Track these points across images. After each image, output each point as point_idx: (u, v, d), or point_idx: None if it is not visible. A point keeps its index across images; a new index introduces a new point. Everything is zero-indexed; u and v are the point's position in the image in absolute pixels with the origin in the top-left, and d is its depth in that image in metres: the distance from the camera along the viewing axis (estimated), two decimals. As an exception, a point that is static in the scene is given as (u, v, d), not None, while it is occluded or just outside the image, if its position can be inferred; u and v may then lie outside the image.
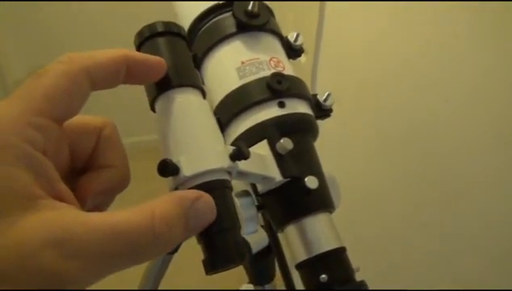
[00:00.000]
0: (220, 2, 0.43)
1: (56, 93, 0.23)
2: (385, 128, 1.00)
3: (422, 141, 0.88)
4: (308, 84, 1.13)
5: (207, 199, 0.25)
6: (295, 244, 0.38)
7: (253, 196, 0.40)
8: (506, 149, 0.69)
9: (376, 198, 1.09)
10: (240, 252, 0.26)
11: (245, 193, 0.41)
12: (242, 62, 0.40)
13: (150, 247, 0.22)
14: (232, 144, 0.29)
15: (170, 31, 0.30)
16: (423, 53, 0.83)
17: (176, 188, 0.27)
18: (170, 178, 0.26)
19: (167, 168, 0.25)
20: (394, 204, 1.02)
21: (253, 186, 0.39)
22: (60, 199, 0.22)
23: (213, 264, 0.26)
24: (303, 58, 1.23)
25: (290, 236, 0.38)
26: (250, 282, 0.65)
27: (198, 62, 0.44)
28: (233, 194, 0.41)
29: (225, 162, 0.27)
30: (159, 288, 0.76)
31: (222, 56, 0.42)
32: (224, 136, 0.41)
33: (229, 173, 0.29)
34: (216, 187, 0.26)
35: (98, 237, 0.20)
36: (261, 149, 0.38)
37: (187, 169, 0.26)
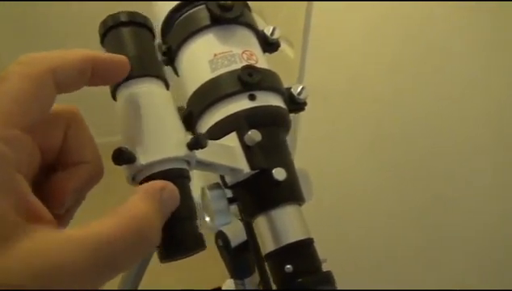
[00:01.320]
0: None
1: (21, 99, 0.21)
2: (375, 124, 1.01)
3: (414, 139, 0.89)
4: (295, 79, 1.12)
5: (171, 187, 0.25)
6: (264, 235, 0.38)
7: (224, 189, 0.41)
8: (501, 147, 0.69)
9: (366, 193, 1.10)
10: (197, 241, 0.26)
11: (217, 185, 0.41)
12: (215, 55, 0.40)
13: (137, 249, 0.22)
14: (196, 135, 0.29)
15: (134, 21, 0.30)
16: (413, 49, 0.84)
17: (133, 177, 0.27)
18: (125, 166, 0.26)
19: (122, 156, 0.25)
20: (384, 201, 1.03)
21: (223, 178, 0.40)
22: (33, 212, 0.21)
23: (169, 253, 0.26)
24: (291, 53, 1.24)
25: (259, 227, 0.38)
26: (231, 276, 0.65)
27: (172, 55, 0.44)
28: (206, 186, 0.41)
29: (182, 151, 0.27)
30: (143, 288, 0.76)
31: (195, 49, 0.42)
32: (196, 128, 0.41)
33: (188, 163, 0.29)
34: (173, 176, 0.26)
35: (80, 258, 0.19)
36: (230, 141, 0.38)
37: (143, 157, 0.26)
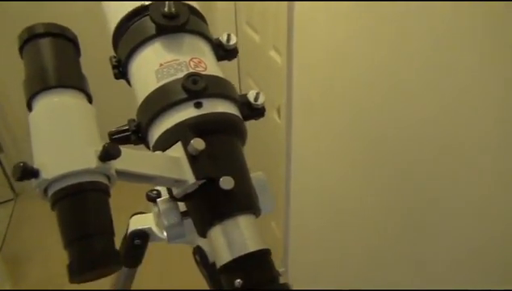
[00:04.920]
0: (142, 4, 0.42)
1: None
2: (367, 127, 0.98)
3: (406, 141, 0.86)
4: (284, 84, 1.10)
5: None
6: (217, 248, 0.36)
7: (177, 202, 0.39)
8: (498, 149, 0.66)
9: (359, 196, 1.07)
10: (108, 259, 0.24)
11: (171, 199, 0.40)
12: (161, 64, 0.39)
13: None
14: (105, 146, 0.27)
15: (51, 32, 0.29)
16: (404, 51, 0.81)
17: (45, 190, 0.26)
18: (33, 180, 0.25)
19: (23, 171, 0.24)
20: (378, 202, 0.99)
21: (170, 190, 0.38)
22: None
23: (77, 270, 0.24)
24: (278, 59, 1.22)
25: (212, 241, 0.37)
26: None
27: (123, 67, 0.43)
28: (158, 200, 0.40)
29: (92, 164, 0.26)
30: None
31: (142, 60, 0.41)
32: (148, 139, 0.40)
33: (107, 176, 0.27)
34: (84, 190, 0.25)
35: None
36: (176, 151, 0.36)
37: (48, 171, 0.24)
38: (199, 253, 0.59)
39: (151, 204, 0.62)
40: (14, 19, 2.10)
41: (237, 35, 1.80)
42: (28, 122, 0.27)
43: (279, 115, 1.29)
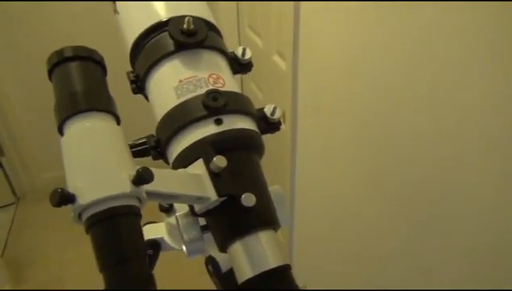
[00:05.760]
0: (160, 21, 0.42)
1: None
2: (370, 134, 0.99)
3: (411, 149, 0.86)
4: (289, 91, 1.11)
5: None
6: (238, 264, 0.37)
7: (197, 217, 0.40)
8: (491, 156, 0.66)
9: (361, 199, 1.07)
10: (143, 283, 0.25)
11: (190, 213, 0.40)
12: (180, 81, 0.40)
13: None
14: (139, 171, 0.27)
15: (80, 55, 0.30)
16: (408, 57, 0.82)
17: (79, 215, 0.26)
18: (70, 206, 0.25)
19: (61, 197, 0.25)
20: (380, 207, 1.00)
21: (192, 207, 0.39)
22: None
23: None
24: (283, 65, 1.22)
25: (233, 256, 0.37)
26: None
27: (141, 82, 0.43)
28: (177, 215, 0.40)
29: (126, 188, 0.26)
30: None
31: (161, 76, 0.41)
32: (167, 156, 0.41)
33: (138, 198, 0.28)
34: (118, 214, 0.25)
35: None
36: (197, 168, 0.37)
37: (84, 196, 0.25)
38: (211, 263, 0.59)
39: (163, 214, 0.62)
40: (14, 19, 2.12)
41: (239, 39, 1.80)
42: (61, 146, 0.28)
43: (284, 121, 1.30)
